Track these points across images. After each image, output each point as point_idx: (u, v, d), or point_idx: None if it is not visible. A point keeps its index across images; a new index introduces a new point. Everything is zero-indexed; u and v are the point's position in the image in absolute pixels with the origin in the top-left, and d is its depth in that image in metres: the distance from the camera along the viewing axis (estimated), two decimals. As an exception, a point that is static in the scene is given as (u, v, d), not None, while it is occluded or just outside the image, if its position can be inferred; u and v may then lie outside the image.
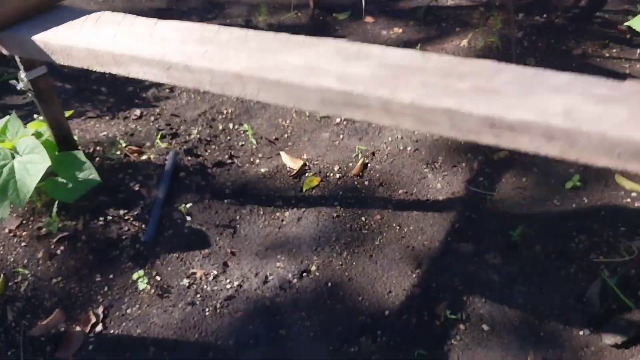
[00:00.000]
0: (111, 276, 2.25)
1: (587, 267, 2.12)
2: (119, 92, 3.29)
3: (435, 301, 2.06)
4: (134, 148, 2.76)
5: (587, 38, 3.43)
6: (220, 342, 2.02)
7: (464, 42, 3.49)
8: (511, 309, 2.01)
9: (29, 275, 2.24)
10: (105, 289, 2.22)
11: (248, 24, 3.96)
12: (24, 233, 2.37)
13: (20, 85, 2.25)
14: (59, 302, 2.17)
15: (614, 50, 3.31)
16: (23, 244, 2.33)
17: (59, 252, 2.31)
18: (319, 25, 3.87)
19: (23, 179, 2.14)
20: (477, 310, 2.02)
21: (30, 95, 2.28)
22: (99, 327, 2.09)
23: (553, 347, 1.89)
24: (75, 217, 2.40)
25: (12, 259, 2.29)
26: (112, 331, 2.08)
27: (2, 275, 2.23)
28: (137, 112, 3.13)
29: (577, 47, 3.35)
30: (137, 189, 2.54)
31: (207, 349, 2.01)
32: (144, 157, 2.72)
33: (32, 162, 2.16)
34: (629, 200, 2.37)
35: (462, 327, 1.98)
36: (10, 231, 2.37)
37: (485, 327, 1.97)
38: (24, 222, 2.41)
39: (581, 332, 1.93)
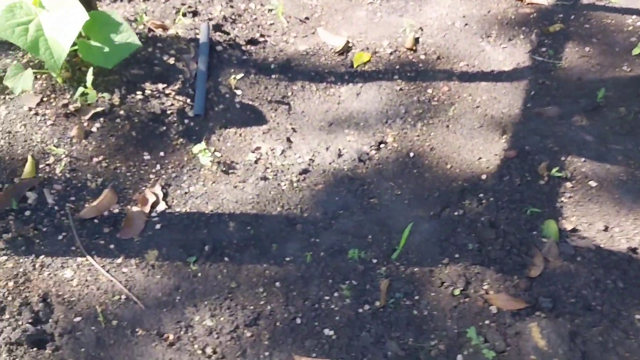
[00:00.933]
0: (162, 153, 1.96)
1: (678, 124, 2.04)
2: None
3: (533, 162, 1.93)
4: (157, 23, 2.40)
5: None
6: (307, 214, 1.81)
7: None
8: (613, 165, 1.91)
9: (63, 155, 1.90)
10: (158, 167, 1.93)
11: None
12: (48, 111, 2.01)
13: None
14: (106, 183, 1.87)
15: None
16: (49, 122, 1.98)
17: (94, 129, 1.98)
18: None
19: (55, 36, 1.78)
20: (579, 168, 1.91)
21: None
22: (162, 206, 1.82)
23: (668, 197, 1.81)
24: (108, 90, 2.05)
25: (38, 139, 1.94)
26: (178, 209, 1.81)
27: (29, 156, 1.88)
28: (143, -9, 2.73)
29: None
30: (172, 62, 2.22)
31: (294, 221, 1.79)
32: (170, 31, 2.37)
33: (63, 17, 1.80)
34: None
35: (568, 184, 1.86)
36: (30, 109, 2.01)
37: (592, 183, 1.87)
38: (45, 99, 2.04)
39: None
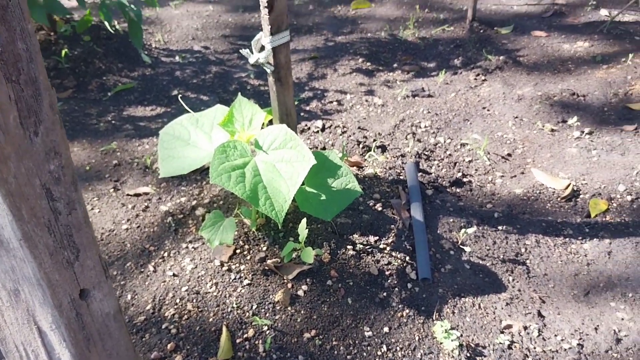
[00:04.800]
0: (386, 329, 1.54)
1: None
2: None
3: None
4: (351, 160, 2.09)
5: None
6: None
7: (680, 54, 2.92)
8: None
9: (266, 327, 1.51)
10: (384, 348, 1.50)
11: (395, 39, 3.38)
12: (242, 267, 1.66)
13: (256, 57, 1.60)
14: (322, 368, 1.44)
15: None
16: (245, 281, 1.62)
17: (301, 292, 1.60)
18: (483, 39, 3.30)
19: (274, 182, 1.46)
20: None
21: (268, 70, 1.62)
22: (401, 408, 1.36)
23: None
24: (315, 245, 1.69)
25: (234, 304, 1.57)
26: (423, 414, 1.34)
27: (223, 328, 1.50)
28: (319, 123, 2.48)
29: None
30: (380, 209, 1.85)
31: None
32: (368, 171, 2.04)
33: (285, 161, 1.48)
34: None
35: None
36: (222, 264, 1.66)
37: None
38: (237, 251, 1.70)
39: None
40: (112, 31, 3.22)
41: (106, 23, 2.89)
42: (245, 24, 3.65)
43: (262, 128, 1.65)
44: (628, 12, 3.46)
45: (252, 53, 1.62)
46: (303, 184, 1.61)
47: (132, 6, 2.78)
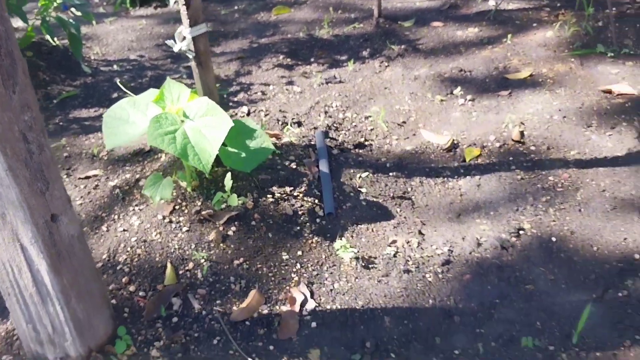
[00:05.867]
0: (299, 252, 1.94)
1: None
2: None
3: (685, 238, 1.86)
4: (271, 133, 2.49)
5: (669, 21, 3.48)
6: (462, 305, 1.73)
7: (549, 34, 3.47)
8: None
9: (203, 259, 1.89)
10: (298, 266, 1.90)
11: (312, 37, 3.83)
12: (181, 218, 2.03)
13: (179, 46, 1.99)
14: (250, 285, 1.83)
15: (702, 28, 3.35)
16: (184, 228, 1.99)
17: (231, 232, 1.98)
18: (388, 33, 3.78)
19: (200, 143, 1.85)
20: None
21: (190, 56, 2.01)
22: (311, 305, 1.76)
23: None
24: (241, 195, 2.08)
25: (176, 246, 1.94)
26: (328, 306, 1.75)
27: (168, 263, 1.87)
28: (244, 109, 2.87)
29: (666, 27, 3.38)
30: (294, 167, 2.26)
31: (450, 312, 1.72)
32: (285, 140, 2.45)
33: (208, 126, 1.87)
34: None
35: None
36: (164, 217, 2.03)
37: None
38: (176, 207, 2.07)
39: None
40: (53, 45, 3.53)
41: (49, 37, 3.21)
42: (176, 33, 4.02)
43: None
44: (512, 0, 4.01)
45: (176, 43, 2.00)
46: (226, 145, 1.99)
47: (71, 21, 3.11)
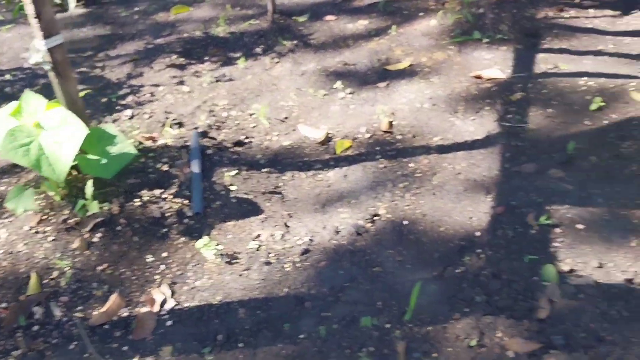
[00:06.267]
0: (165, 254, 2.00)
1: (646, 163, 2.18)
2: (94, 103, 3.06)
3: (521, 214, 2.02)
4: (147, 135, 2.53)
5: (543, 6, 3.68)
6: (314, 291, 1.84)
7: (433, 22, 3.62)
8: (596, 207, 2.01)
9: (67, 267, 1.93)
10: (162, 267, 1.96)
11: (208, 36, 3.87)
12: (48, 228, 2.06)
13: (35, 58, 2.01)
14: (112, 289, 1.89)
15: (571, 12, 3.56)
16: (50, 238, 2.03)
17: (96, 239, 2.03)
18: (282, 28, 3.86)
19: (56, 153, 1.88)
20: (564, 214, 2.00)
21: (47, 68, 2.04)
22: (171, 304, 1.84)
23: (655, 228, 1.91)
24: (107, 201, 2.13)
25: (41, 255, 1.97)
26: (187, 304, 1.83)
27: (33, 273, 1.91)
28: (128, 112, 2.90)
29: (539, 12, 3.58)
30: (166, 169, 2.32)
31: (302, 299, 1.82)
32: (160, 142, 2.50)
33: (62, 136, 1.91)
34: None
35: (558, 230, 1.95)
36: (31, 228, 2.06)
37: (580, 226, 1.95)
38: (44, 217, 2.10)
39: None
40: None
41: None
42: (73, 39, 3.98)
43: (51, 115, 2.06)
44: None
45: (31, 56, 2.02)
46: (86, 152, 2.03)
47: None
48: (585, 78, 2.75)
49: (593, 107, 2.52)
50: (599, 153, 2.26)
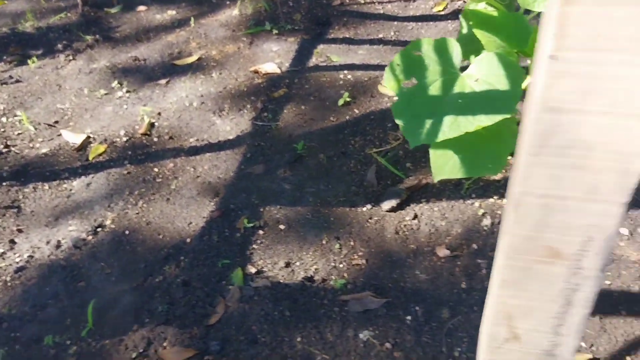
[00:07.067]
0: None
1: (364, 159, 2.32)
2: None
3: (235, 218, 2.11)
4: None
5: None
6: (15, 310, 1.88)
7: (235, 12, 3.64)
8: (303, 207, 2.13)
9: None
10: None
11: (14, 32, 3.75)
12: None
13: None
14: None
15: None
16: None
17: None
18: (91, 21, 3.79)
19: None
20: (273, 216, 2.11)
21: None
22: None
23: (342, 226, 2.04)
24: None
25: None
26: None
27: None
28: None
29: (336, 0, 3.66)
30: None
31: (1, 320, 1.85)
32: None
33: None
34: (391, 103, 2.63)
35: (261, 232, 2.05)
36: None
37: (282, 227, 2.06)
38: None
39: (364, 208, 2.11)
40: None
41: None
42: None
43: None
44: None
45: None
46: None
47: None
48: (346, 71, 2.86)
49: (340, 102, 2.64)
50: (328, 151, 2.38)
